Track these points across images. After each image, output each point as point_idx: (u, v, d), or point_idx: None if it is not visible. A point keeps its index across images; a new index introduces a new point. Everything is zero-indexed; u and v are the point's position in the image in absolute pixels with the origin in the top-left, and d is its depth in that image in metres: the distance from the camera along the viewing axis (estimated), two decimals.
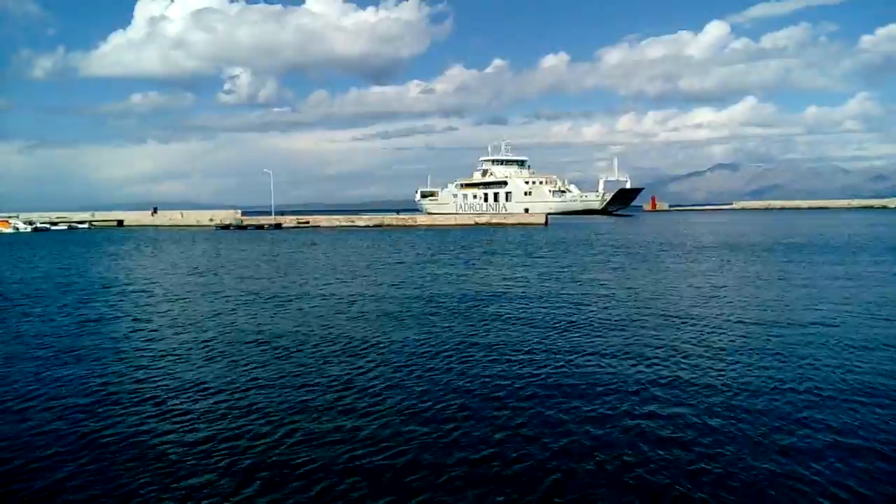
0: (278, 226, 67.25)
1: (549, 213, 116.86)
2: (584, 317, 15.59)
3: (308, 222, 68.79)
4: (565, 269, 26.23)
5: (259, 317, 16.09)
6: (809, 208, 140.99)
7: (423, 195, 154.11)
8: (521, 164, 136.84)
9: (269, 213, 72.22)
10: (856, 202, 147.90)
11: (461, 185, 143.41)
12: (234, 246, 43.37)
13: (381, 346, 12.68)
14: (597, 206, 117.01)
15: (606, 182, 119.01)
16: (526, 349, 12.26)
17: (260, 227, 66.52)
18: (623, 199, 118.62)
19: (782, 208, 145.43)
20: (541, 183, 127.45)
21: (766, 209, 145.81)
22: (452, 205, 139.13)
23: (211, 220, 74.48)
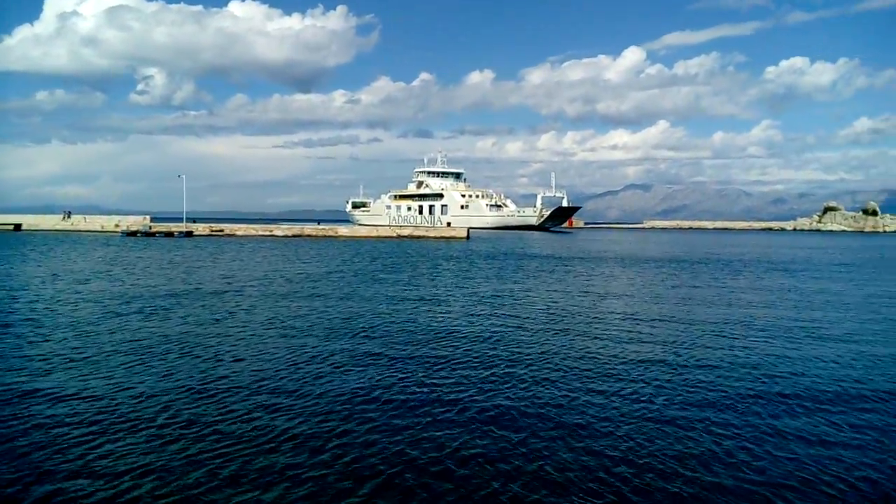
0: (189, 233, 67.07)
1: (486, 228, 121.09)
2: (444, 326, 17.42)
3: (222, 230, 68.85)
4: (456, 281, 28.16)
5: (127, 325, 17.15)
6: (714, 228, 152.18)
7: (355, 206, 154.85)
8: (458, 176, 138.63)
9: (181, 220, 71.85)
10: (756, 224, 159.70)
11: (395, 197, 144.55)
12: (136, 253, 43.52)
13: (228, 354, 14.09)
14: (534, 221, 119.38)
15: (544, 198, 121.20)
16: (357, 361, 13.91)
17: (170, 234, 66.19)
18: (560, 217, 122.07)
19: (689, 228, 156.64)
20: (478, 196, 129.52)
21: (675, 228, 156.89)
22: (386, 216, 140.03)
23: (117, 225, 73.44)
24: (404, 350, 14.12)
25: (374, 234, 69.35)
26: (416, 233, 71.32)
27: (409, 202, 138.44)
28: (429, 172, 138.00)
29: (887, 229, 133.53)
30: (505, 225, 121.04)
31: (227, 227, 70.31)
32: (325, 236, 68.21)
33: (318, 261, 39.49)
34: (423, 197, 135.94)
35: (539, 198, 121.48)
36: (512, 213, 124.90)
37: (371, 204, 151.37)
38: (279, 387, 11.04)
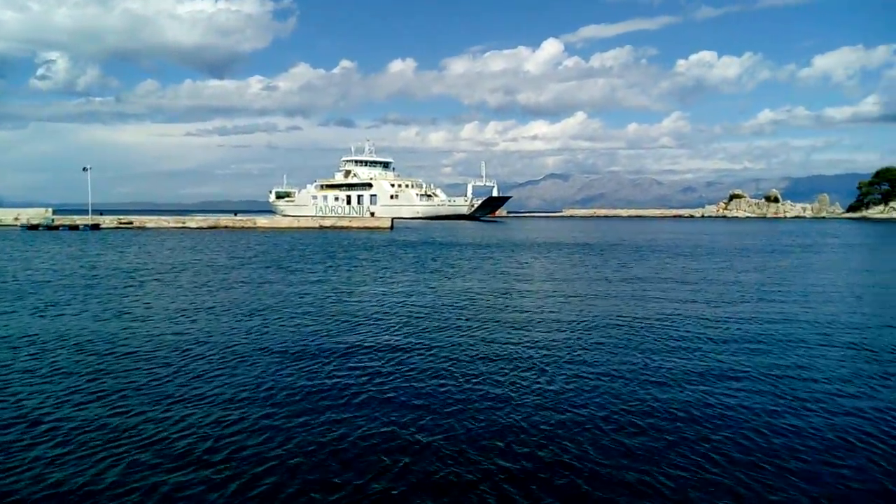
0: (96, 226, 63.52)
1: (417, 218, 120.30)
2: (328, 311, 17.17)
3: (132, 222, 65.68)
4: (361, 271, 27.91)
5: (17, 320, 16.03)
6: (629, 216, 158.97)
7: (279, 196, 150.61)
8: (386, 165, 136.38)
9: (87, 213, 68.03)
10: (668, 212, 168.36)
11: (322, 187, 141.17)
12: (36, 247, 40.87)
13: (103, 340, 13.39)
14: (465, 211, 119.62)
15: (475, 187, 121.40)
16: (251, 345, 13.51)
17: (74, 227, 62.52)
18: (491, 206, 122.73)
19: (606, 216, 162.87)
20: (408, 186, 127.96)
21: (593, 216, 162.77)
22: (312, 207, 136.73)
23: (16, 218, 68.82)
24: (305, 341, 13.82)
25: (296, 224, 67.95)
26: (339, 223, 70.34)
27: (337, 192, 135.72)
28: (357, 161, 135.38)
29: (788, 215, 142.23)
30: (436, 214, 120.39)
31: (137, 219, 67.14)
32: (243, 228, 66.20)
33: (231, 252, 38.27)
34: (351, 187, 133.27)
35: (469, 187, 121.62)
36: (443, 202, 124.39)
37: (296, 194, 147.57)
38: (169, 383, 10.55)
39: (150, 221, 66.76)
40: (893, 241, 57.52)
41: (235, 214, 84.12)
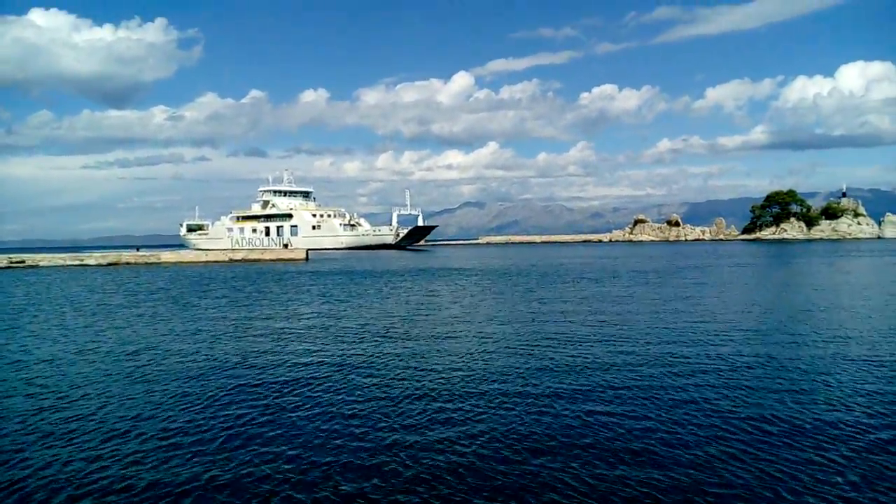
0: None
1: (341, 248, 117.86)
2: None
3: (24, 261, 61.09)
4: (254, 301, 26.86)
5: None
6: (542, 242, 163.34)
7: (191, 229, 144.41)
8: (307, 195, 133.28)
9: None
10: (578, 237, 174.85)
11: (238, 218, 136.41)
12: None
13: None
14: (391, 240, 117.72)
15: (399, 216, 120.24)
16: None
17: None
18: (417, 235, 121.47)
19: (520, 242, 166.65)
20: (330, 216, 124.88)
21: (507, 243, 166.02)
22: (227, 240, 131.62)
23: None
24: (189, 380, 12.88)
25: (203, 259, 65.19)
26: (251, 256, 68.05)
27: (255, 223, 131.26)
28: (275, 192, 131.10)
29: (688, 238, 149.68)
30: (361, 245, 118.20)
31: (29, 258, 62.47)
32: (146, 263, 62.84)
33: (127, 289, 36.05)
34: (269, 217, 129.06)
35: (395, 216, 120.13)
36: (367, 231, 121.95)
37: (209, 227, 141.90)
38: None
39: (44, 259, 62.22)
40: (780, 259, 61.25)
41: (138, 249, 79.99)
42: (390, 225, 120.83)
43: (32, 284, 41.08)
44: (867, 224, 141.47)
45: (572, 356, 14.77)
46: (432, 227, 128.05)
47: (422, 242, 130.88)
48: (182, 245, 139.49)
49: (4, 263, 60.20)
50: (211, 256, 66.37)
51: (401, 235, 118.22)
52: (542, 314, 22.47)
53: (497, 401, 11.07)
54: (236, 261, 65.27)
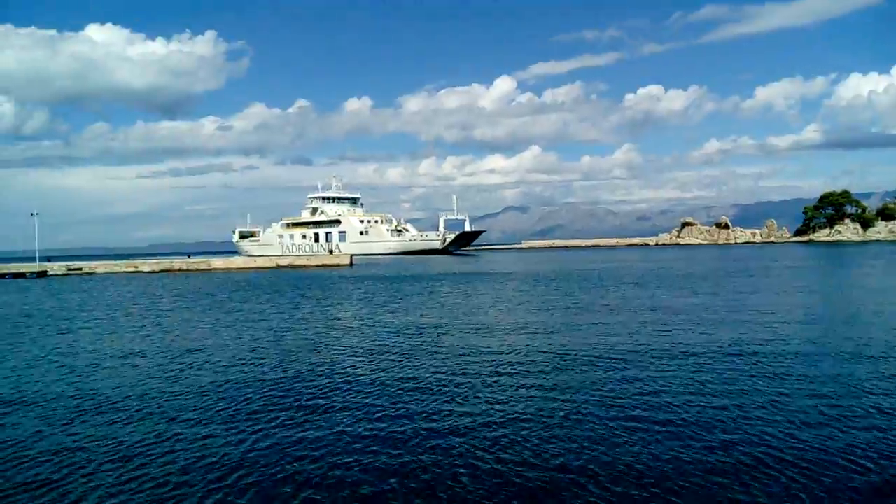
0: (43, 273, 61.34)
1: (389, 254, 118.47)
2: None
3: (81, 269, 63.54)
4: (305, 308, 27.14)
5: None
6: (586, 246, 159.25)
7: (243, 236, 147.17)
8: (354, 201, 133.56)
9: (33, 260, 65.71)
10: (624, 241, 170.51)
11: (287, 225, 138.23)
12: None
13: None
14: (437, 245, 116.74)
15: (447, 220, 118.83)
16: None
17: (20, 275, 60.19)
18: (464, 240, 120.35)
19: (564, 246, 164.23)
20: (377, 222, 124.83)
21: (551, 247, 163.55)
22: (278, 246, 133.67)
23: None
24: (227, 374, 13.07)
25: (251, 265, 66.60)
26: (297, 262, 69.18)
27: (304, 230, 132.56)
28: (324, 198, 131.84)
29: (738, 240, 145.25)
30: (408, 250, 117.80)
31: (86, 265, 64.94)
32: (197, 270, 64.59)
33: (178, 294, 37.04)
34: (318, 224, 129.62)
35: (442, 221, 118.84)
36: (414, 237, 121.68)
37: (261, 233, 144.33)
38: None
39: (100, 266, 64.69)
40: (836, 261, 58.84)
41: (189, 256, 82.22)
42: (437, 230, 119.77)
43: (85, 291, 42.64)
44: None
45: (603, 370, 14.39)
46: (480, 232, 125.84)
47: (469, 247, 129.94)
48: (235, 251, 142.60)
49: (63, 271, 62.79)
50: (259, 262, 67.72)
51: (447, 240, 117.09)
52: (575, 322, 22.02)
53: (522, 408, 10.84)
54: (283, 267, 66.44)
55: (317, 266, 66.33)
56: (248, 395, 12.03)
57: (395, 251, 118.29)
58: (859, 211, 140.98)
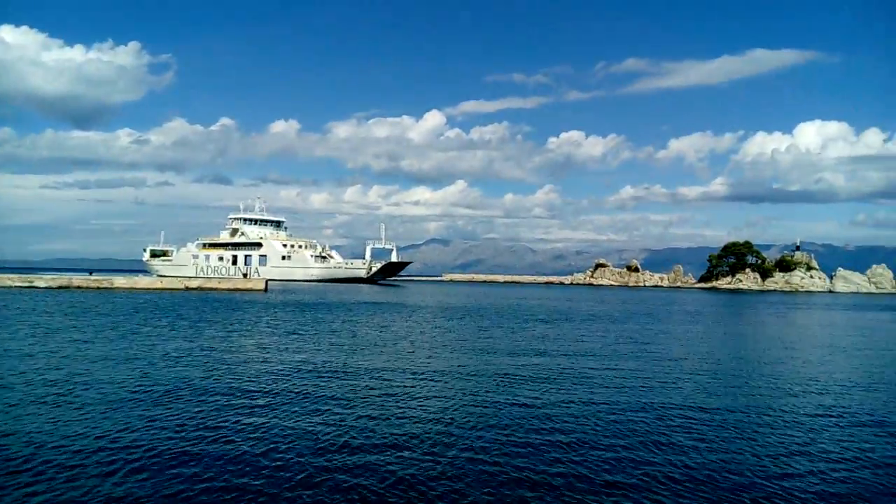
0: None
1: (312, 280, 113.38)
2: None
3: None
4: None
5: None
6: (505, 282, 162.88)
7: (154, 254, 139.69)
8: (278, 225, 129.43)
9: None
10: (540, 278, 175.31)
11: (204, 245, 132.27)
12: None
13: None
14: (363, 274, 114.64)
15: (374, 249, 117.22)
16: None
17: None
18: (391, 271, 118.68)
19: (484, 281, 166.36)
20: (301, 247, 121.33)
21: (471, 281, 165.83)
22: (192, 267, 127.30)
23: None
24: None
25: (158, 285, 63.26)
26: (208, 285, 66.31)
27: (222, 251, 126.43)
28: (245, 220, 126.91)
29: (647, 283, 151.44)
30: (332, 277, 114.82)
31: None
32: (98, 288, 60.69)
33: (65, 314, 34.52)
34: (238, 246, 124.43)
35: (368, 249, 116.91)
36: (339, 264, 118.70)
37: (174, 253, 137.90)
38: None
39: None
40: (733, 309, 62.04)
41: (91, 273, 77.25)
42: (363, 258, 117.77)
43: None
44: (819, 278, 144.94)
45: (501, 396, 14.27)
46: (406, 263, 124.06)
47: (394, 277, 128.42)
48: (145, 271, 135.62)
49: None
50: (166, 283, 64.44)
51: (373, 269, 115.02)
52: (484, 354, 21.96)
53: (414, 433, 10.49)
54: (192, 289, 63.43)
55: (229, 289, 63.75)
56: (127, 422, 11.07)
57: (319, 278, 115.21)
58: (759, 262, 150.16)
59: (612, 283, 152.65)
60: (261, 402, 13.47)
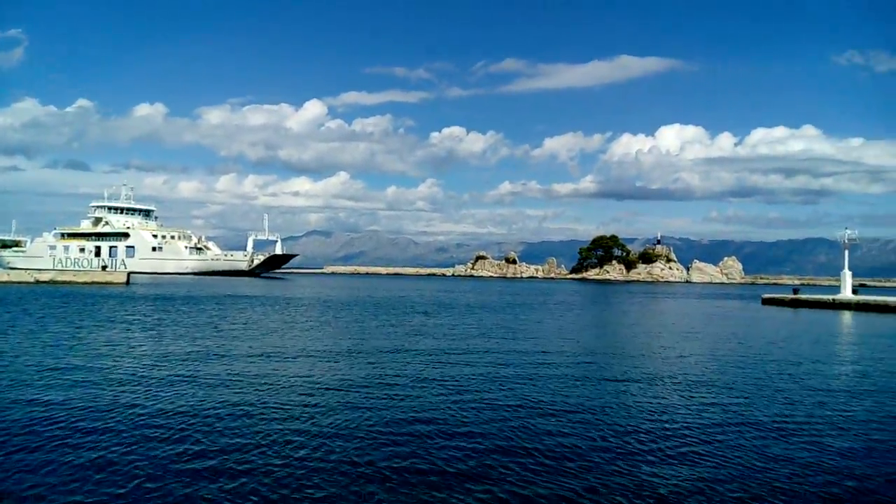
0: None
1: (187, 273, 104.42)
2: None
3: None
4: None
5: None
6: (388, 274, 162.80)
7: (5, 245, 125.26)
8: (147, 214, 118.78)
9: None
10: (423, 270, 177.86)
11: (63, 236, 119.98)
12: None
13: None
14: (244, 266, 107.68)
15: (256, 241, 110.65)
16: None
17: None
18: (274, 264, 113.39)
19: (367, 273, 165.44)
20: (173, 237, 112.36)
21: (354, 273, 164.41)
22: (49, 259, 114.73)
23: None
24: None
25: (4, 278, 56.51)
26: (62, 277, 60.12)
27: (83, 242, 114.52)
28: (110, 208, 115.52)
29: (524, 275, 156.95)
30: (210, 269, 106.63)
31: None
32: None
33: None
34: (101, 236, 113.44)
35: (250, 241, 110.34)
36: (217, 256, 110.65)
37: (28, 244, 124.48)
38: None
39: None
40: (603, 297, 65.36)
41: None
42: (243, 250, 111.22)
43: None
44: (677, 269, 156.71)
45: (359, 388, 13.70)
46: (292, 256, 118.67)
47: (278, 270, 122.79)
48: None
49: None
50: (13, 276, 57.76)
51: (255, 262, 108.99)
52: (357, 346, 21.29)
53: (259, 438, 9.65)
54: (43, 282, 57.21)
55: (85, 283, 58.04)
56: None
57: (195, 270, 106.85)
58: (624, 254, 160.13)
59: (492, 274, 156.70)
60: (106, 399, 11.98)
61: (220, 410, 11.81)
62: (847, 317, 41.83)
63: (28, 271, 62.10)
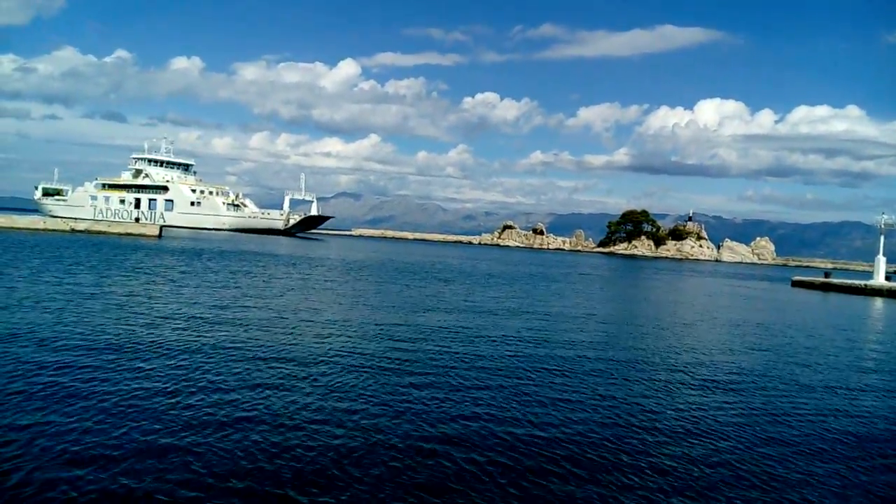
0: None
1: (223, 230, 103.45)
2: None
3: None
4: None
5: None
6: (415, 239, 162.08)
7: (47, 193, 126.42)
8: (187, 168, 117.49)
9: None
10: (450, 237, 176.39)
11: (104, 186, 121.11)
12: None
13: None
14: (280, 225, 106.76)
15: (292, 200, 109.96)
16: None
17: None
18: (309, 225, 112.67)
19: (394, 237, 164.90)
20: (212, 193, 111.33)
21: (381, 237, 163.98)
22: (90, 209, 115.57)
23: None
24: None
25: (41, 226, 57.87)
26: (96, 227, 61.21)
27: (124, 193, 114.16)
28: (150, 160, 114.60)
29: (550, 246, 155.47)
30: (246, 227, 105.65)
31: None
32: None
33: None
34: (141, 189, 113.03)
35: (287, 200, 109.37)
36: (254, 214, 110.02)
37: (70, 193, 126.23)
38: None
39: None
40: (628, 272, 64.37)
41: None
42: (280, 209, 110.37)
43: None
44: (708, 247, 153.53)
45: (379, 351, 13.53)
46: (327, 218, 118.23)
47: (313, 231, 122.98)
48: (34, 209, 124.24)
49: None
50: (49, 224, 59.02)
51: (291, 222, 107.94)
52: (376, 309, 21.17)
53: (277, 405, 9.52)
54: (78, 231, 58.37)
55: (119, 234, 59.04)
56: None
57: (231, 227, 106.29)
58: (654, 230, 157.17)
59: (519, 244, 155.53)
60: (110, 355, 12.02)
61: (224, 366, 11.74)
62: (878, 304, 40.41)
63: (65, 220, 63.34)
